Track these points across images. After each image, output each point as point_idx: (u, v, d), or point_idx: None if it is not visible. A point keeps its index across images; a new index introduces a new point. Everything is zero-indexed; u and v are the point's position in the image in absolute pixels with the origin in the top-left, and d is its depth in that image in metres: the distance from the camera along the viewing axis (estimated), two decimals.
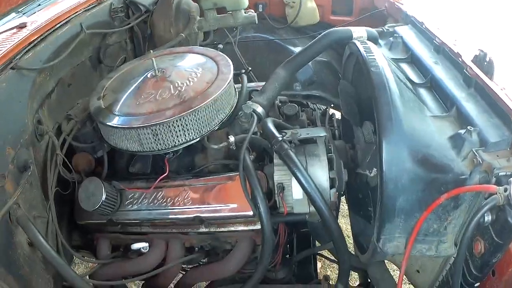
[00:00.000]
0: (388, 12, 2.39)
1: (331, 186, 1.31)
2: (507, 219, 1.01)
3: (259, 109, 1.42)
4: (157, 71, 1.52)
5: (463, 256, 1.13)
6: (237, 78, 1.72)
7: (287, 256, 1.74)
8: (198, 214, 1.38)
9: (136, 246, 1.44)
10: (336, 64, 2.47)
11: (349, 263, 1.42)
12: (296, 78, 2.33)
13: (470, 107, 1.29)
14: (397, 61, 1.67)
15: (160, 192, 1.43)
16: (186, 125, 1.36)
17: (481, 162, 1.11)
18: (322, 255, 1.94)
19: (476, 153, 1.13)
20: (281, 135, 1.34)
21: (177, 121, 1.33)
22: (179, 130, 1.36)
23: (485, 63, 1.38)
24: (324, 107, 2.31)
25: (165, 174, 1.39)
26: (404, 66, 1.65)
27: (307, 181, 1.23)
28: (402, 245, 1.23)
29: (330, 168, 1.32)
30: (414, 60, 1.68)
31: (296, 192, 1.29)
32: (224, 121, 1.47)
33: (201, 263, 1.63)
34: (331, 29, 1.79)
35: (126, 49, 2.26)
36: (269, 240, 1.30)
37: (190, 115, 1.34)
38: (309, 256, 1.76)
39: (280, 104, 1.75)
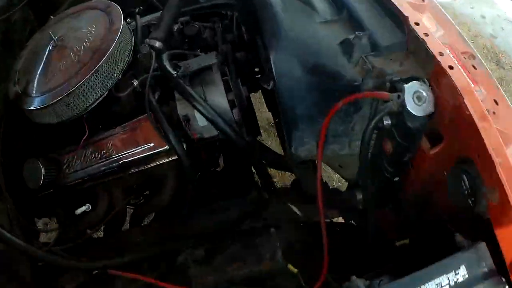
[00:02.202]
0: None
1: (232, 107, 1.39)
2: (406, 123, 1.01)
3: (157, 44, 1.36)
4: (56, 41, 1.50)
5: (366, 161, 1.18)
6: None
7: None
8: (124, 160, 1.46)
9: (79, 210, 1.51)
10: None
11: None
12: None
13: (362, 9, 1.25)
14: None
15: (88, 149, 1.50)
16: (91, 86, 1.39)
17: (371, 68, 1.10)
18: None
19: (366, 59, 1.11)
20: (175, 71, 1.37)
21: (81, 87, 1.37)
22: (86, 93, 1.40)
23: None
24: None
25: (86, 135, 1.46)
26: None
27: (206, 110, 1.31)
28: (313, 148, 1.28)
29: (228, 90, 1.39)
30: None
31: (201, 120, 1.37)
32: (125, 68, 1.48)
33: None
34: None
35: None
36: (186, 163, 1.41)
37: (91, 77, 1.38)
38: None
39: (181, 26, 1.71)
